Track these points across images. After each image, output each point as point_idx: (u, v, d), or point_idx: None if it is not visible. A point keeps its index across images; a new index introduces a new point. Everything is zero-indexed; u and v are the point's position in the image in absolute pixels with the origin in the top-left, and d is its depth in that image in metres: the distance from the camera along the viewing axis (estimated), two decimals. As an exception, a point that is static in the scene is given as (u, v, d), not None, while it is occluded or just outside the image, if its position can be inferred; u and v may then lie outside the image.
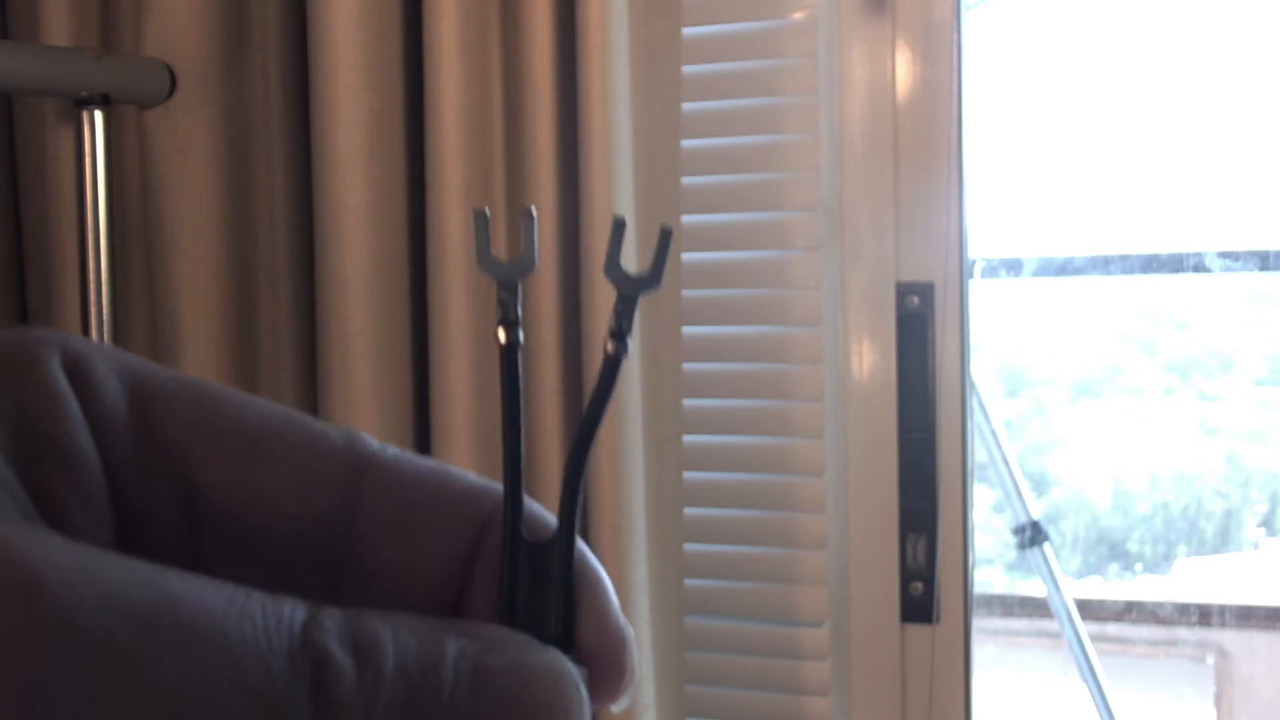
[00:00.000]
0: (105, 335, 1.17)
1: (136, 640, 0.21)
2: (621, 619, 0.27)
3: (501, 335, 0.29)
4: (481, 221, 0.30)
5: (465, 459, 1.16)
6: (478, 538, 0.28)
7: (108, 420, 0.26)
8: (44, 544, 0.21)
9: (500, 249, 1.17)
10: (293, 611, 0.22)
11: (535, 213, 0.28)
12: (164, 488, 0.27)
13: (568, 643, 0.27)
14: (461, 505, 0.28)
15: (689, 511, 1.27)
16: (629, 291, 0.29)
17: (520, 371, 0.29)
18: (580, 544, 0.28)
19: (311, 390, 1.21)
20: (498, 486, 0.28)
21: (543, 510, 0.28)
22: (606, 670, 0.26)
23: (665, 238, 0.29)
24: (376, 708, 0.22)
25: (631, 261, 1.14)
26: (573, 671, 0.25)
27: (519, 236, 1.17)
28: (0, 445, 0.24)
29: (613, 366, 0.29)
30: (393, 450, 0.28)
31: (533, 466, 1.17)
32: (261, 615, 0.22)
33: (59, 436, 0.25)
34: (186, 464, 0.27)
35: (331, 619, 0.23)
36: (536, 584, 0.27)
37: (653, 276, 0.29)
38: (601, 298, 1.12)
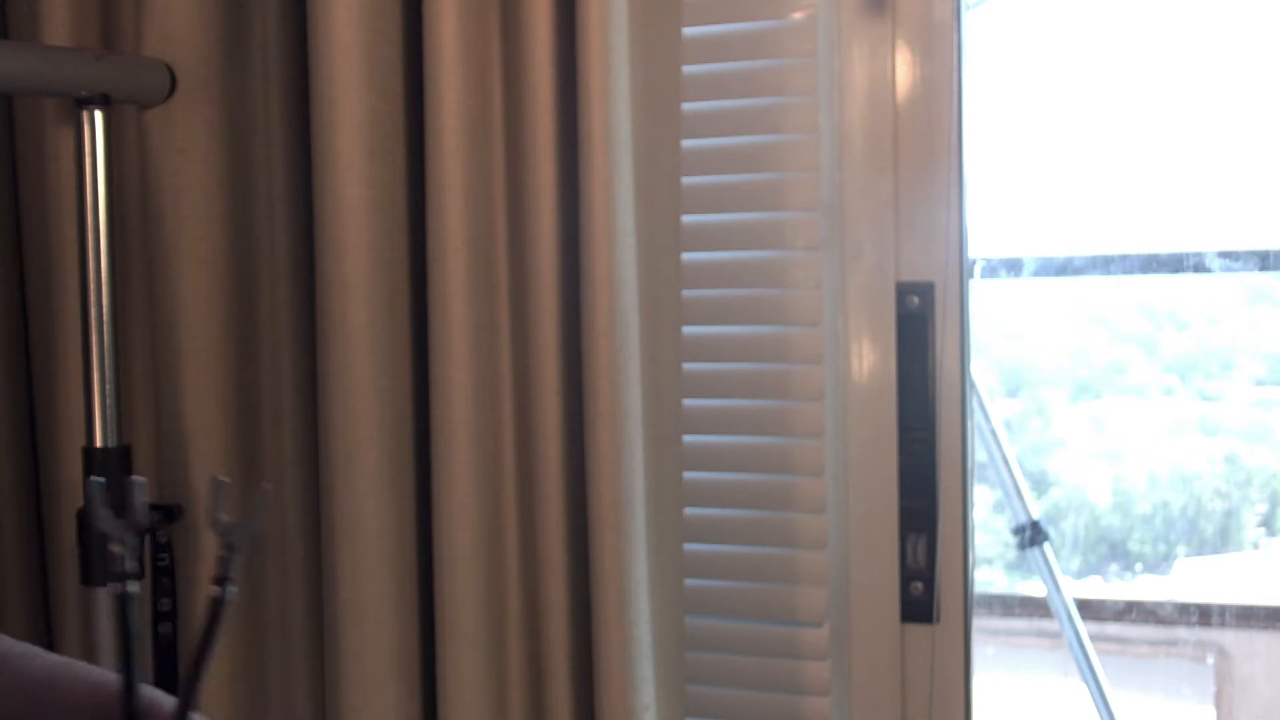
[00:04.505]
0: (105, 335, 1.17)
1: None
2: None
3: (129, 587, 0.38)
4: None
5: (465, 458, 1.16)
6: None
7: None
8: None
9: (500, 234, 1.17)
10: None
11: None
12: None
13: None
14: (82, 694, 0.35)
15: (689, 511, 1.27)
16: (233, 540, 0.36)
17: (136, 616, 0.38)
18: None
19: (311, 390, 1.21)
20: (114, 677, 0.37)
21: (161, 695, 0.37)
22: None
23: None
24: None
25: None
26: None
27: (520, 230, 1.17)
28: None
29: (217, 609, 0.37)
30: (20, 647, 0.35)
31: (532, 465, 1.17)
32: None
33: None
34: None
35: None
36: None
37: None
38: (602, 297, 1.12)
